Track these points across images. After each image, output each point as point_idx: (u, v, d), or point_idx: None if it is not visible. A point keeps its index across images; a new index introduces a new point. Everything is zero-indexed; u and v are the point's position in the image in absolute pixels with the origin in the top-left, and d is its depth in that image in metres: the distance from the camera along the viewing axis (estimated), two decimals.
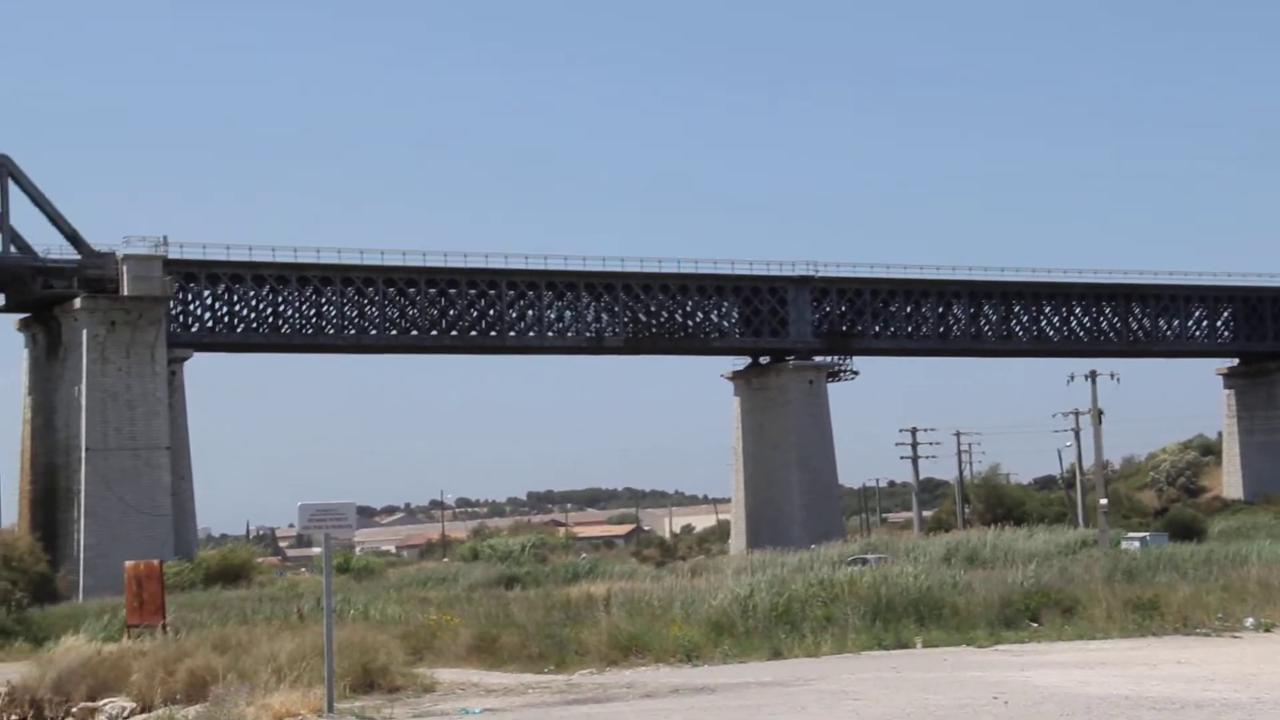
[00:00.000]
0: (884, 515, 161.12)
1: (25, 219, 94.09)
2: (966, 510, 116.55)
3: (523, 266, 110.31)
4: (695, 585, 42.75)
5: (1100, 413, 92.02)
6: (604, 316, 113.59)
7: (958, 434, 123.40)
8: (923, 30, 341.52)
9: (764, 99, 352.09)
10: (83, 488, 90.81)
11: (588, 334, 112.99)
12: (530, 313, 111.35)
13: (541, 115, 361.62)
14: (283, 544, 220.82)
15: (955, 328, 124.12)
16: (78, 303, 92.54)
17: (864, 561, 53.76)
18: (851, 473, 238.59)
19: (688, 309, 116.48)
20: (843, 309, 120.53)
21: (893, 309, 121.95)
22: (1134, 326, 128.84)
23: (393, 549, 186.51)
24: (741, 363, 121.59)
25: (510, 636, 33.60)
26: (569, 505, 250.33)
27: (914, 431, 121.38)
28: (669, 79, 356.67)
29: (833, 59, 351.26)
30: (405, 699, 26.48)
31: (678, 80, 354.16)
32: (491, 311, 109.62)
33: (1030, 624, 33.84)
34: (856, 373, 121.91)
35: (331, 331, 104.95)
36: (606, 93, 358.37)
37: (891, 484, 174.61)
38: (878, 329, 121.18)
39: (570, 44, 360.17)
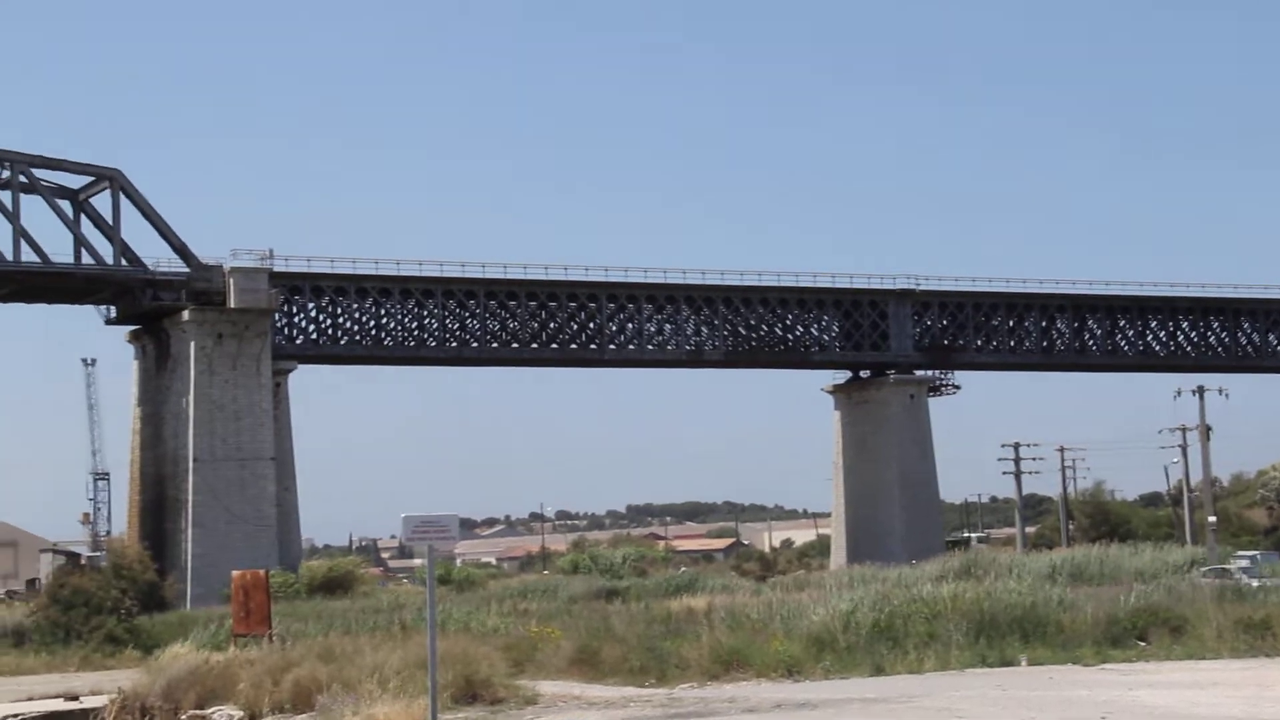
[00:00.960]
0: (986, 531, 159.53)
1: (136, 232, 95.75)
2: (1070, 527, 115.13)
3: (622, 280, 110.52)
4: (796, 600, 42.56)
5: (1209, 429, 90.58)
6: (704, 330, 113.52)
7: (1061, 449, 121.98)
8: (1029, 35, 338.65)
9: (868, 112, 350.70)
10: (190, 498, 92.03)
11: (687, 347, 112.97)
12: (630, 326, 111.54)
13: (639, 126, 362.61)
14: (384, 555, 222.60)
15: (1059, 342, 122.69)
16: (186, 315, 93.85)
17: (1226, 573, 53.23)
18: (953, 488, 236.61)
19: (787, 322, 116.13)
20: (944, 323, 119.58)
21: (995, 323, 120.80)
22: (1242, 341, 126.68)
23: (493, 561, 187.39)
24: (842, 377, 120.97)
25: (611, 649, 33.64)
26: (668, 519, 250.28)
27: (1016, 447, 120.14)
28: (769, 89, 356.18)
29: (935, 69, 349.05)
30: (507, 711, 26.61)
31: (778, 92, 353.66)
32: (591, 324, 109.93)
33: (1138, 643, 33.37)
34: (958, 387, 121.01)
35: (433, 344, 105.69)
36: (705, 104, 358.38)
37: (993, 500, 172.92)
38: (980, 343, 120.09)
39: (668, 50, 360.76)
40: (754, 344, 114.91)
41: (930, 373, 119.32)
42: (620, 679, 31.55)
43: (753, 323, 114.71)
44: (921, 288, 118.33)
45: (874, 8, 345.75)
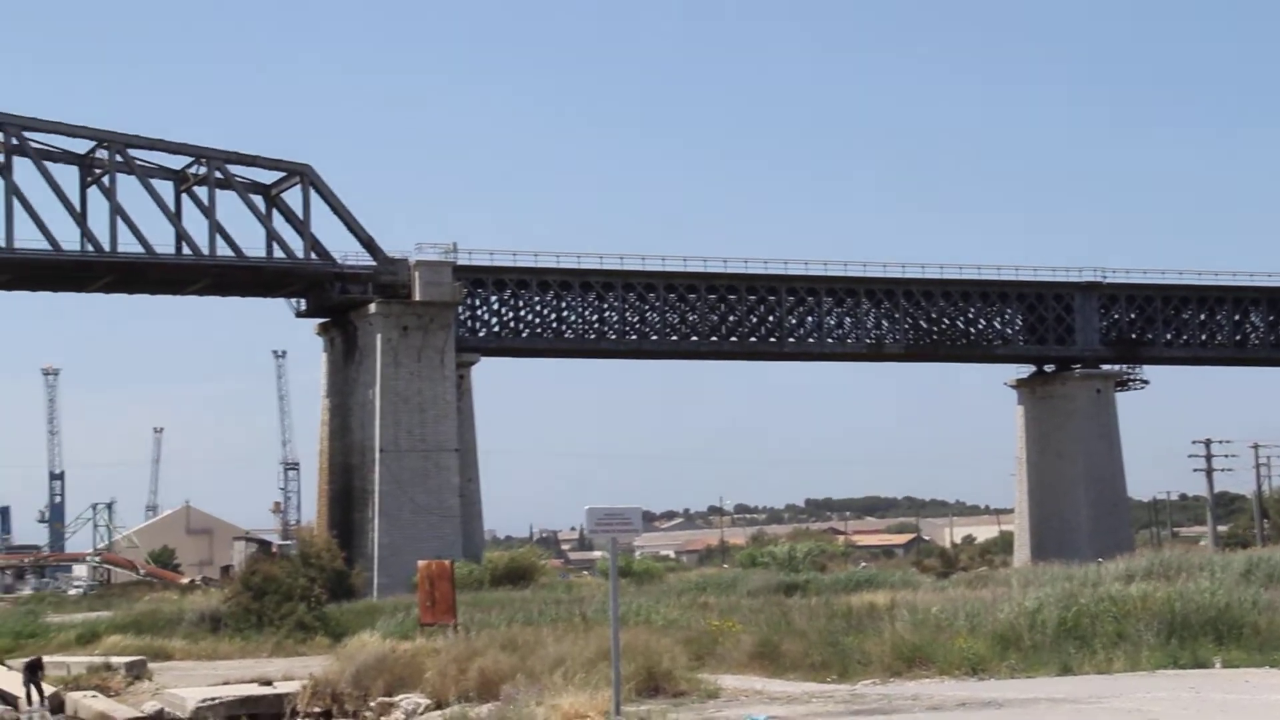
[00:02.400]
0: (1175, 529, 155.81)
1: (325, 227, 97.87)
2: (1265, 525, 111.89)
3: (802, 273, 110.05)
4: (979, 597, 41.95)
5: None
6: (884, 323, 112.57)
7: (1255, 446, 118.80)
8: (1209, 35, 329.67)
9: (1054, 101, 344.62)
10: (377, 488, 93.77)
11: (867, 340, 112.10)
12: (810, 319, 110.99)
13: (818, 117, 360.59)
14: (565, 547, 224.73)
15: (1253, 336, 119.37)
16: (372, 308, 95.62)
17: None
18: (1141, 485, 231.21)
19: (969, 316, 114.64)
20: (1132, 316, 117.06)
21: (1185, 316, 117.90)
22: None
23: (671, 554, 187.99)
24: (1025, 371, 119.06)
25: (792, 644, 33.49)
26: (847, 513, 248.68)
27: (1208, 443, 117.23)
28: (954, 78, 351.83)
29: (1121, 60, 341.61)
30: (689, 704, 26.64)
31: (961, 82, 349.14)
32: (771, 318, 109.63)
33: None
34: (1147, 382, 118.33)
35: (613, 337, 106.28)
36: (885, 97, 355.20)
37: (1183, 497, 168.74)
38: (1169, 337, 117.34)
39: (846, 43, 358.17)
40: (935, 337, 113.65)
41: (1117, 367, 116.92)
42: (801, 674, 31.40)
43: (934, 316, 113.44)
44: (1108, 280, 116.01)
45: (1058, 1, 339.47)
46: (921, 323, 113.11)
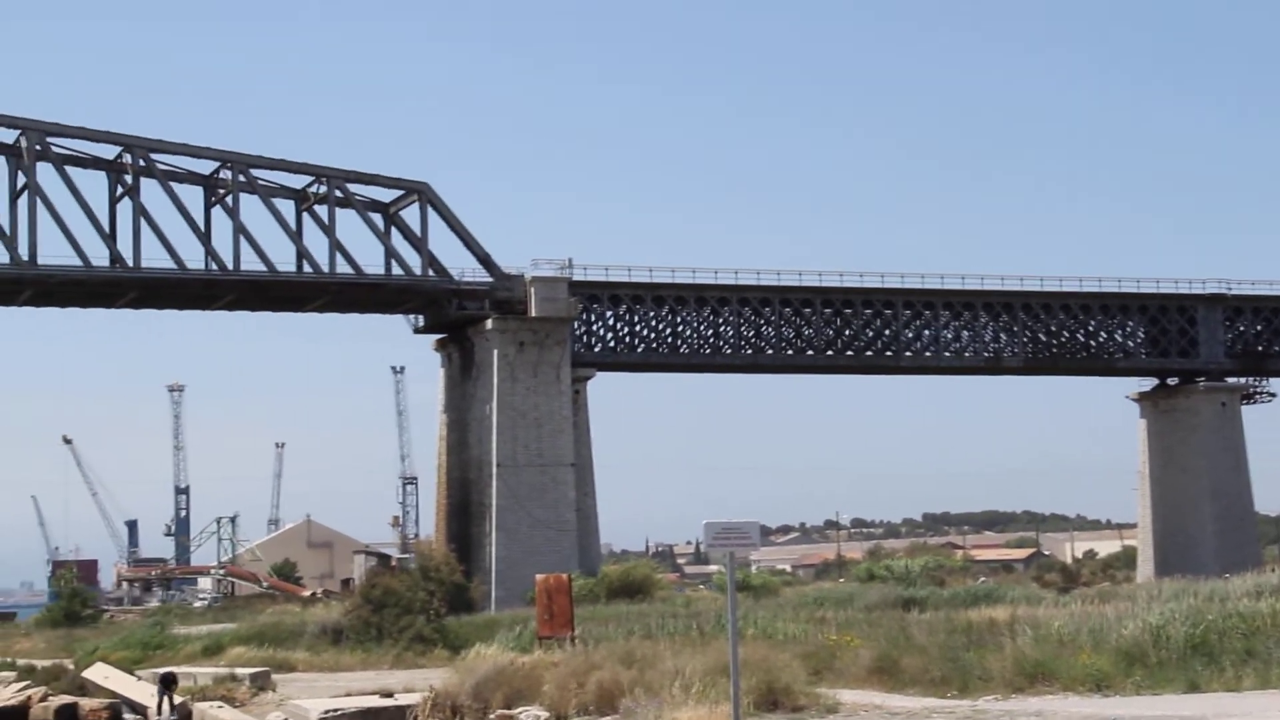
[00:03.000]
0: None
1: (442, 244, 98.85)
2: None
3: (919, 286, 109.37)
4: (1102, 612, 41.34)
5: None
6: (1002, 336, 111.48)
7: None
8: None
9: (1173, 110, 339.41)
10: (494, 502, 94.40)
11: (986, 354, 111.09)
12: (926, 332, 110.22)
13: (933, 128, 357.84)
14: (680, 561, 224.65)
15: None
16: (489, 324, 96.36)
17: None
18: (1269, 499, 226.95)
19: (1090, 328, 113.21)
20: (1259, 328, 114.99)
21: None
22: None
23: (788, 568, 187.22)
24: (1148, 384, 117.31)
25: (911, 659, 33.24)
26: (965, 528, 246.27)
27: None
28: (1073, 87, 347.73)
29: (1246, 67, 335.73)
30: (808, 718, 26.53)
31: (1083, 90, 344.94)
32: (887, 331, 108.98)
33: None
34: (1274, 395, 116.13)
35: (728, 351, 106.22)
36: (1000, 104, 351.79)
37: None
38: None
39: (963, 43, 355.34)
40: (1055, 350, 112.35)
41: (1243, 380, 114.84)
42: (920, 689, 31.15)
43: (1053, 329, 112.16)
44: (1233, 292, 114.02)
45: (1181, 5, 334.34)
46: (1041, 335, 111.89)
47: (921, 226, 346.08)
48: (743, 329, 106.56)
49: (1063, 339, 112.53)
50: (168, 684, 40.64)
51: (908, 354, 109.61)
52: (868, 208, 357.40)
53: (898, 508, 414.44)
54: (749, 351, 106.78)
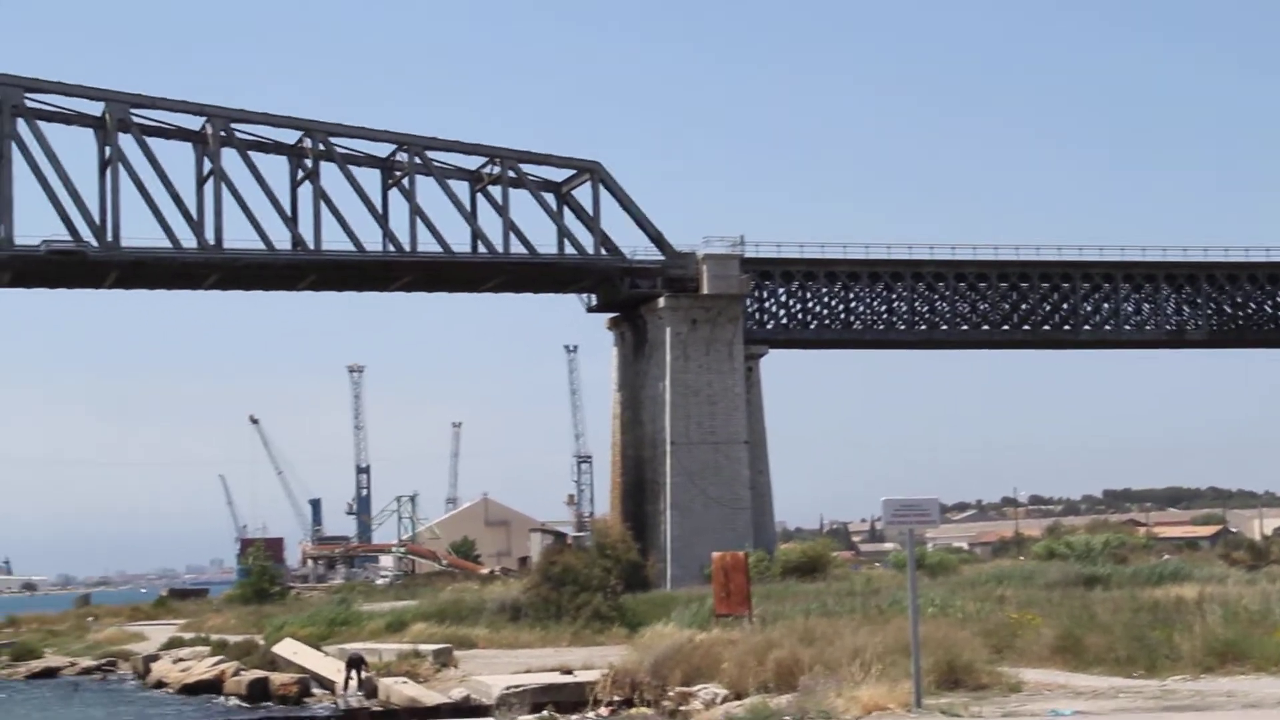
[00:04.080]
0: None
1: (614, 222, 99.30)
2: None
3: (1097, 259, 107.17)
4: None
5: None
6: (1185, 309, 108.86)
7: None
8: None
9: None
10: (668, 480, 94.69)
11: (1168, 327, 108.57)
12: (1106, 306, 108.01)
13: (1115, 101, 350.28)
14: (855, 539, 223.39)
15: None
16: (661, 302, 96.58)
17: None
18: None
19: (1278, 300, 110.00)
20: None
21: None
22: None
23: (965, 546, 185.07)
24: None
25: (1095, 638, 32.67)
26: (1148, 504, 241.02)
27: None
28: (1245, 57, 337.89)
29: None
30: (991, 697, 26.24)
31: (1254, 57, 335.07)
32: (1065, 305, 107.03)
33: None
34: None
35: (902, 327, 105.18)
36: (1178, 74, 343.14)
37: None
38: None
39: (1148, 24, 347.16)
40: (1241, 323, 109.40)
41: None
42: (1105, 669, 30.60)
43: (1239, 300, 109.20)
44: None
45: None
46: (1226, 307, 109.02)
47: (1100, 197, 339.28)
48: (916, 304, 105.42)
49: (1249, 311, 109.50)
50: (356, 665, 41.60)
51: (1086, 328, 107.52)
52: (1044, 180, 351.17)
53: (1077, 484, 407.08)
54: (923, 327, 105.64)
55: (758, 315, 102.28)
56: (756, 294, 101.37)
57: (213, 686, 49.35)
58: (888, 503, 25.57)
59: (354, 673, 41.30)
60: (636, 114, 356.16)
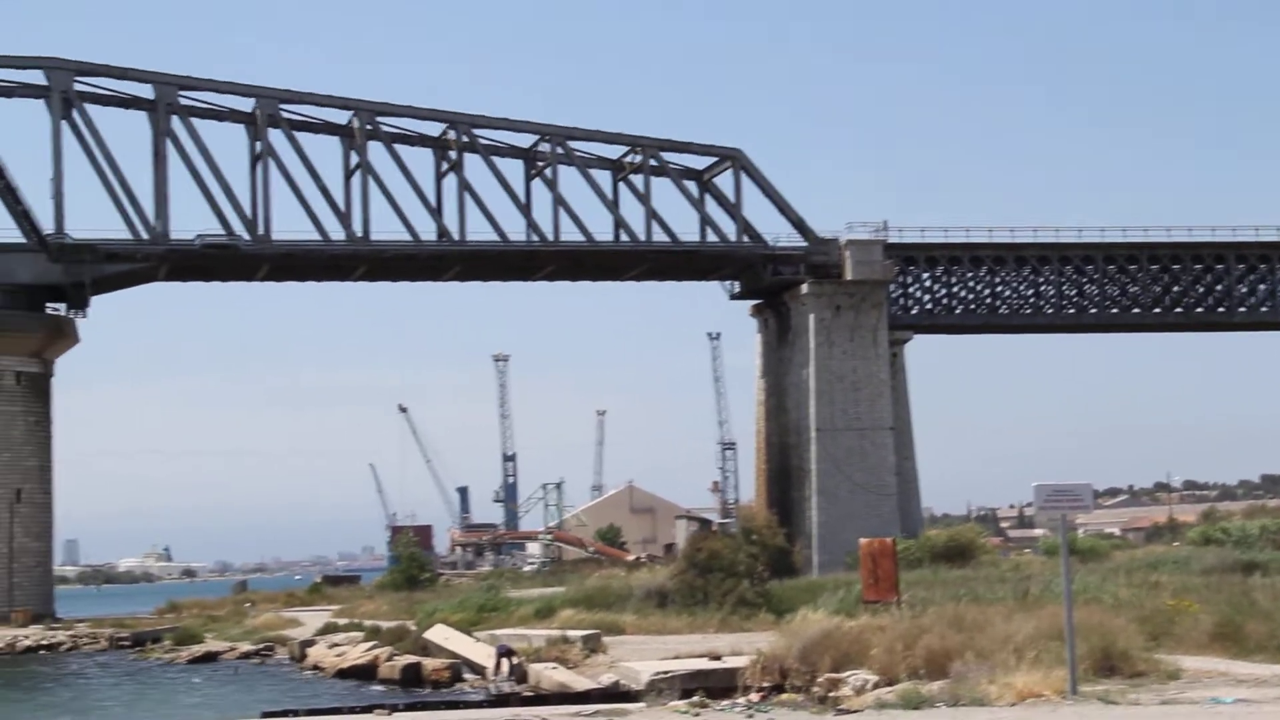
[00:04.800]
0: None
1: (756, 209, 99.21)
2: None
3: (1253, 239, 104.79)
4: None
5: None
6: None
7: None
8: None
9: None
10: (814, 467, 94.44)
11: None
12: (1262, 287, 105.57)
13: (1269, 78, 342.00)
14: (1003, 524, 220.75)
15: None
16: (804, 288, 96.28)
17: None
18: None
19: None
20: None
21: None
22: None
23: (1116, 531, 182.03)
24: None
25: (1257, 625, 31.97)
26: None
27: None
28: None
29: None
30: (1148, 685, 25.82)
31: None
32: (1219, 286, 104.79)
33: None
34: None
35: (1050, 311, 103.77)
36: None
37: None
38: None
39: None
40: None
41: None
42: (1267, 656, 29.93)
43: None
44: None
45: None
46: None
47: (1253, 176, 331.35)
48: (1064, 288, 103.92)
49: None
50: (507, 655, 42.03)
51: (1241, 310, 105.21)
52: (1197, 161, 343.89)
53: (1233, 469, 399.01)
54: (1071, 311, 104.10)
55: (902, 301, 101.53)
56: (900, 279, 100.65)
57: (367, 671, 50.12)
58: (1039, 488, 25.27)
59: (504, 661, 41.74)
60: (778, 100, 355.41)
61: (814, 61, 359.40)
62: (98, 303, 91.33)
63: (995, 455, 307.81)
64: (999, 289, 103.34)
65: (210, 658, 64.14)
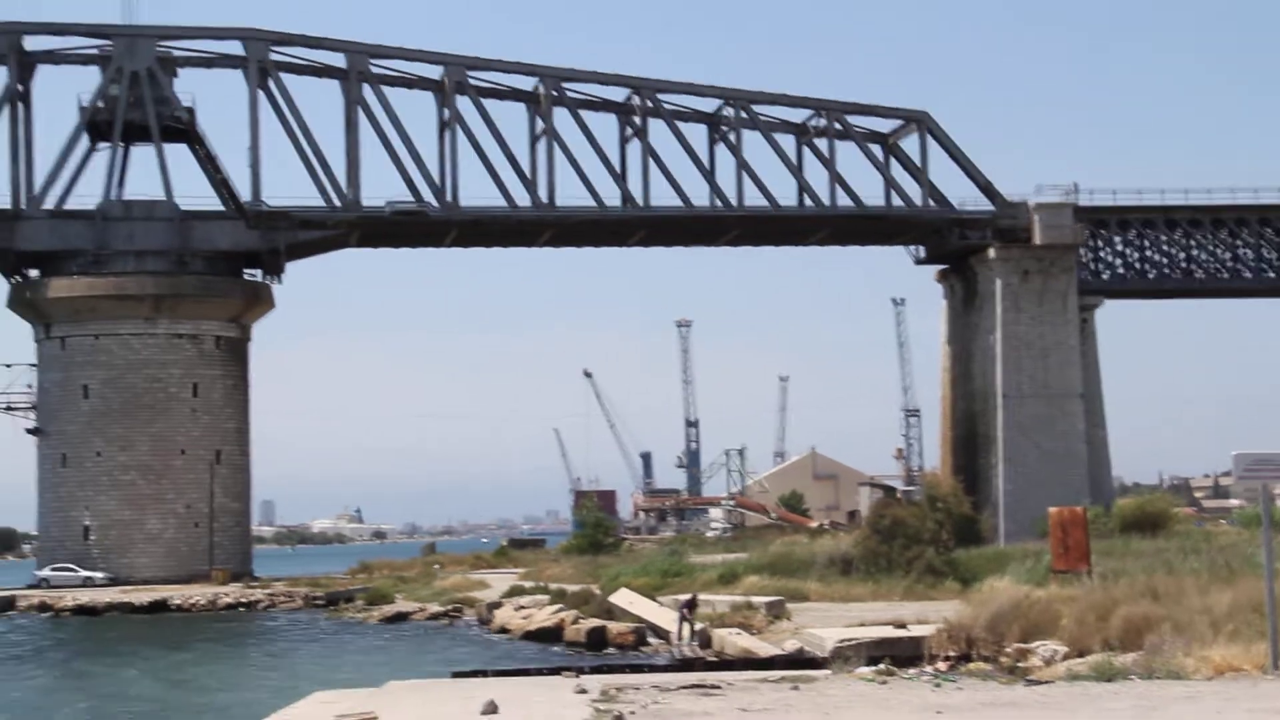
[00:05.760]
0: None
1: (942, 173, 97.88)
2: None
3: None
4: None
5: None
6: None
7: None
8: None
9: None
10: (1000, 434, 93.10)
11: None
12: None
13: None
14: (1197, 494, 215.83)
15: None
16: (991, 253, 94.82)
17: None
18: None
19: None
20: None
21: None
22: None
23: None
24: None
25: None
26: None
27: None
28: None
29: None
30: None
31: None
32: None
33: None
34: None
35: (1248, 275, 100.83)
36: None
37: None
38: None
39: None
40: None
41: None
42: None
43: None
44: None
45: None
46: None
47: None
48: (1263, 250, 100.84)
49: None
50: (689, 608, 42.14)
51: None
52: None
53: None
54: (1271, 275, 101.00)
55: (1092, 265, 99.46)
56: (1091, 243, 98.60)
57: (553, 634, 50.76)
58: (1239, 456, 24.60)
59: (686, 613, 41.80)
60: (965, 61, 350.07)
61: (1002, 21, 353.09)
62: (291, 268, 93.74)
63: (1189, 424, 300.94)
64: (1194, 252, 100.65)
65: (401, 618, 65.59)
